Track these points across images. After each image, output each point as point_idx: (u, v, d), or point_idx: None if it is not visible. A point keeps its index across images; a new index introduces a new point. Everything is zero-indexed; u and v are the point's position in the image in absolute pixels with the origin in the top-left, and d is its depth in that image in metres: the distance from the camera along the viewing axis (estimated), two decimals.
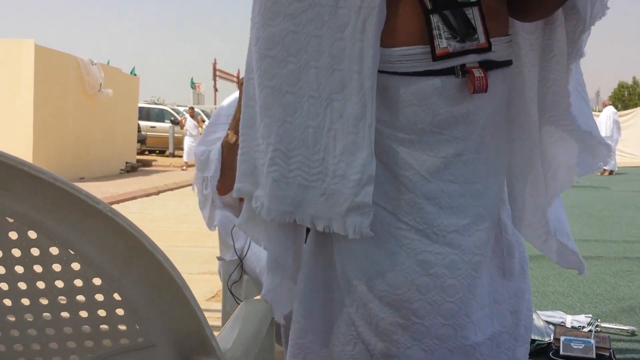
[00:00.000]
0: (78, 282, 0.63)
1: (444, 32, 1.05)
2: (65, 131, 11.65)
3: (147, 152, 19.44)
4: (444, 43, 1.05)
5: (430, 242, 1.10)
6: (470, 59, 1.06)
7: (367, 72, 1.04)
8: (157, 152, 19.98)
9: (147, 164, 16.21)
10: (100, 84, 12.52)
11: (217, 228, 2.22)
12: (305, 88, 1.07)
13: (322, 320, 1.21)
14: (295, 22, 1.07)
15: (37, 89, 10.66)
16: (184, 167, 15.45)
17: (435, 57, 1.05)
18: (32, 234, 0.60)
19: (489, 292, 1.21)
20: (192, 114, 16.41)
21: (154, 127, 19.67)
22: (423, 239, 1.10)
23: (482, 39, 1.06)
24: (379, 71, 1.06)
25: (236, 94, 2.20)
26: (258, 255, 2.03)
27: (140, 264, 0.62)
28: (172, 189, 10.86)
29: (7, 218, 0.60)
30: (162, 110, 20.99)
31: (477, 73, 1.04)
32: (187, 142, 15.61)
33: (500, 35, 1.11)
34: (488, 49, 1.06)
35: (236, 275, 2.17)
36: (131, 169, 14.60)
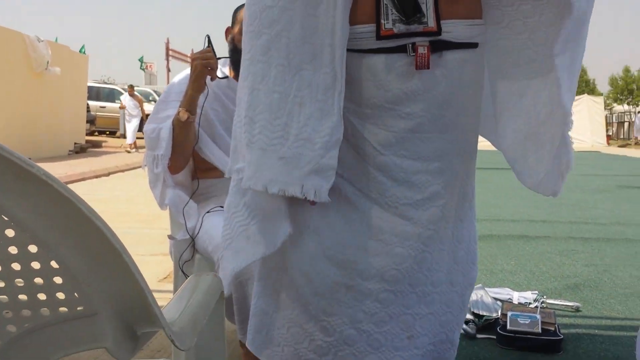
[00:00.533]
0: (13, 250, 0.60)
1: (391, 13, 1.09)
2: (11, 111, 11.25)
3: (96, 133, 18.98)
4: (389, 24, 1.10)
5: (383, 211, 1.14)
6: (420, 40, 1.09)
7: (339, 45, 1.10)
8: (107, 133, 19.53)
9: (97, 144, 15.83)
10: (48, 62, 12.10)
11: (168, 207, 2.19)
12: (275, 57, 1.12)
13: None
14: None
15: None
16: (130, 149, 14.69)
17: (379, 37, 1.10)
18: None
19: (446, 272, 1.24)
20: (132, 92, 15.41)
21: (103, 107, 19.19)
22: (376, 206, 1.15)
23: (430, 22, 1.09)
24: None
25: (187, 71, 2.15)
26: (210, 234, 2.00)
27: (78, 230, 0.60)
28: (122, 171, 10.65)
29: None
30: (113, 90, 20.47)
31: (421, 50, 1.08)
32: (129, 123, 15.00)
33: (462, 17, 1.14)
34: (437, 33, 1.09)
35: (188, 254, 2.14)
36: (80, 150, 14.22)
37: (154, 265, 3.98)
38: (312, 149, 1.11)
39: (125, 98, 15.22)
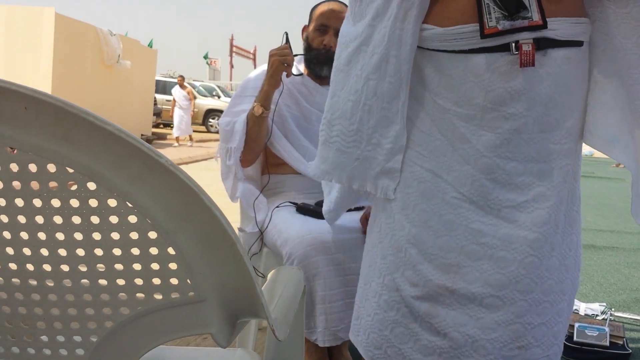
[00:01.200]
0: (134, 235, 0.63)
1: (494, 11, 1.08)
2: (83, 100, 11.67)
3: (162, 126, 19.46)
4: (493, 22, 1.09)
5: (484, 214, 1.14)
6: (524, 37, 1.08)
7: (405, 56, 1.15)
8: (171, 126, 19.99)
9: (162, 137, 16.23)
10: (119, 55, 12.51)
11: (239, 200, 2.23)
12: (354, 68, 1.21)
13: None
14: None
15: (57, 57, 10.67)
16: (176, 144, 13.95)
17: (484, 35, 1.10)
18: (92, 185, 0.61)
19: (556, 280, 1.21)
20: (182, 83, 14.41)
21: (169, 100, 19.65)
22: (477, 210, 1.15)
23: (535, 16, 1.07)
24: (436, 50, 1.14)
25: (263, 67, 2.19)
26: (279, 228, 2.03)
27: (196, 219, 0.62)
28: (186, 163, 10.90)
29: (67, 168, 0.61)
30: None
31: (525, 47, 1.06)
32: (177, 115, 14.11)
33: (565, 15, 1.12)
34: (543, 26, 1.07)
35: (256, 248, 2.18)
36: (147, 142, 14.59)
37: None
38: (381, 153, 1.21)
39: (175, 90, 14.33)
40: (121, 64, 12.59)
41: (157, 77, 18.27)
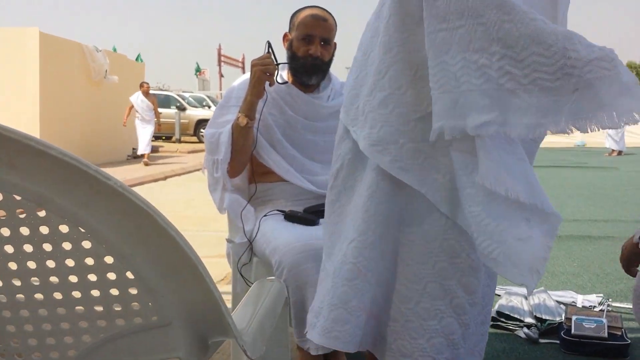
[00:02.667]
0: (89, 261, 0.61)
1: None
2: (72, 118, 11.64)
3: (153, 139, 19.43)
4: None
5: None
6: None
7: None
8: (163, 138, 19.97)
9: (154, 149, 16.18)
10: (106, 71, 12.47)
11: (226, 211, 2.21)
12: None
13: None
14: None
15: (43, 76, 10.63)
16: (147, 161, 12.10)
17: None
18: (41, 212, 0.59)
19: None
20: (146, 91, 11.96)
21: (159, 113, 19.65)
22: None
23: None
24: None
25: (246, 76, 2.17)
26: (267, 237, 2.01)
27: (153, 241, 0.60)
28: (179, 175, 10.86)
29: (15, 196, 0.58)
30: (168, 96, 20.90)
31: None
32: (140, 128, 11.98)
33: None
34: None
35: (246, 258, 2.16)
36: (138, 155, 14.60)
37: (211, 267, 3.92)
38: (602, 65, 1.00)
39: (137, 98, 11.85)
40: (109, 80, 12.55)
41: None
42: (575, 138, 20.41)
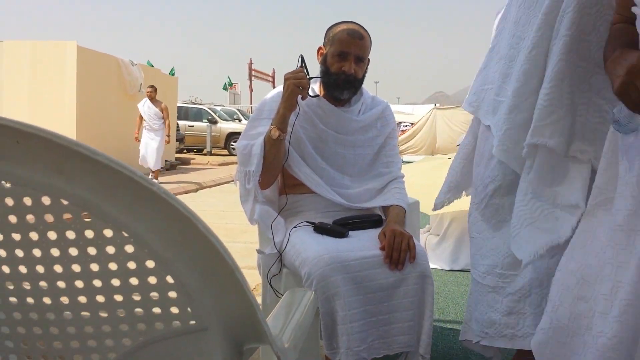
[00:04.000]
0: (131, 265, 0.63)
1: None
2: (108, 130, 11.84)
3: (185, 151, 19.68)
4: None
5: None
6: None
7: None
8: (195, 150, 20.21)
9: (186, 162, 16.39)
10: (141, 84, 12.69)
11: (257, 222, 2.23)
12: None
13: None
14: None
15: (80, 89, 10.86)
16: (150, 175, 10.53)
17: None
18: (87, 217, 0.60)
19: None
20: (153, 97, 10.33)
21: (192, 126, 19.89)
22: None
23: None
24: None
25: (279, 89, 2.20)
26: (297, 249, 2.02)
27: (193, 247, 0.62)
28: (210, 186, 10.98)
29: (62, 200, 0.60)
30: (200, 109, 21.19)
31: None
32: (145, 139, 10.41)
33: None
34: None
35: (275, 269, 2.17)
36: (171, 167, 14.79)
37: None
38: None
39: (143, 105, 10.47)
40: (143, 93, 12.77)
41: (179, 104, 18.49)
42: None
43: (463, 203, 4.17)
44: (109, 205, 0.60)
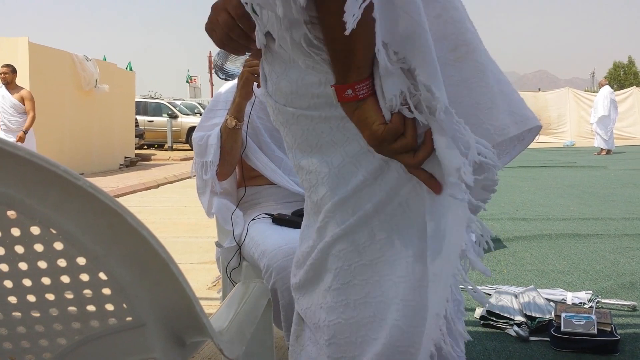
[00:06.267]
0: (62, 262, 0.61)
1: None
2: (63, 128, 11.61)
3: (145, 147, 19.41)
4: None
5: None
6: None
7: None
8: (156, 146, 19.95)
9: (146, 158, 16.18)
10: (96, 80, 12.45)
11: (215, 215, 2.22)
12: None
13: None
14: None
15: (33, 86, 10.61)
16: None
17: None
18: (12, 214, 0.59)
19: None
20: (10, 81, 7.77)
21: (151, 121, 19.63)
22: None
23: None
24: None
25: (233, 82, 2.18)
26: (255, 241, 2.02)
27: (125, 241, 0.61)
28: (171, 182, 10.85)
29: None
30: (159, 104, 20.92)
31: None
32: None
33: None
34: None
35: (235, 262, 2.16)
36: (130, 164, 14.58)
37: (203, 272, 4.04)
38: None
39: None
40: (99, 89, 12.53)
41: (138, 99, 18.22)
42: (564, 138, 20.51)
43: None
44: (35, 201, 0.58)
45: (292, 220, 2.06)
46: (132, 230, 0.60)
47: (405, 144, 0.95)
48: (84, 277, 0.62)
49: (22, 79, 10.52)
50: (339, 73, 0.94)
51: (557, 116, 21.55)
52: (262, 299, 1.03)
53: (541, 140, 20.53)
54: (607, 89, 15.25)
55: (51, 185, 0.58)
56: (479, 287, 3.37)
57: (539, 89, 23.85)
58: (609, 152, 14.92)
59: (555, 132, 21.39)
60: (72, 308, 0.64)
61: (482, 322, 2.96)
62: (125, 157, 14.59)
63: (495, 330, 2.89)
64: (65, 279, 0.62)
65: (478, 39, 1.09)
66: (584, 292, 3.39)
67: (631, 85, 27.75)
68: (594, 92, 19.50)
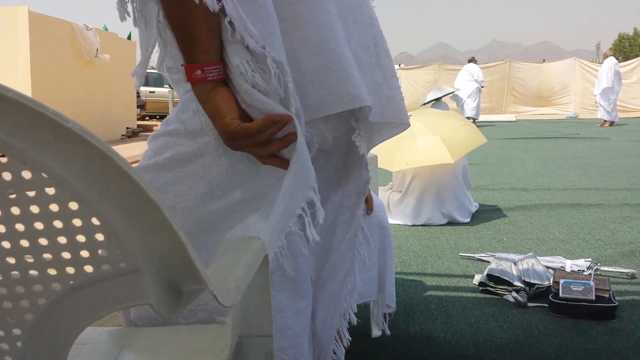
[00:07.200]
0: (54, 207, 0.61)
1: None
2: (64, 98, 11.58)
3: (147, 118, 19.36)
4: None
5: None
6: None
7: None
8: (158, 117, 19.90)
9: (148, 129, 16.15)
10: (97, 50, 12.38)
11: None
12: None
13: None
14: None
15: (34, 56, 10.56)
16: None
17: None
18: (2, 158, 0.59)
19: None
20: None
21: (152, 92, 19.54)
22: None
23: None
24: None
25: None
26: None
27: (117, 186, 0.60)
28: None
29: None
30: (160, 75, 20.77)
31: None
32: None
33: None
34: None
35: None
36: (132, 134, 14.58)
37: None
38: None
39: None
40: (100, 58, 12.46)
41: None
42: (568, 110, 20.38)
43: (424, 160, 4.21)
44: (25, 145, 0.58)
45: None
46: (124, 175, 0.60)
47: (255, 141, 1.06)
48: (77, 222, 0.62)
49: (22, 48, 10.46)
50: (185, 54, 1.05)
51: (561, 88, 21.38)
52: (260, 254, 1.03)
53: (544, 112, 20.43)
54: (611, 60, 15.11)
55: (40, 128, 0.57)
56: (479, 255, 3.43)
57: (544, 60, 23.58)
58: (612, 123, 14.83)
59: (558, 104, 21.24)
60: (65, 253, 0.64)
61: (480, 288, 2.98)
62: (127, 128, 14.57)
63: (493, 296, 2.91)
64: (57, 224, 0.62)
65: (324, 15, 1.17)
66: (583, 259, 3.40)
67: (636, 56, 27.48)
68: (599, 64, 19.28)
